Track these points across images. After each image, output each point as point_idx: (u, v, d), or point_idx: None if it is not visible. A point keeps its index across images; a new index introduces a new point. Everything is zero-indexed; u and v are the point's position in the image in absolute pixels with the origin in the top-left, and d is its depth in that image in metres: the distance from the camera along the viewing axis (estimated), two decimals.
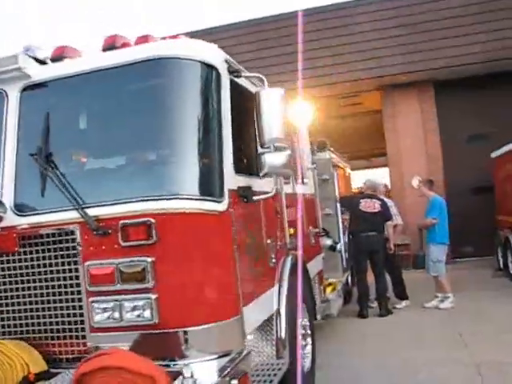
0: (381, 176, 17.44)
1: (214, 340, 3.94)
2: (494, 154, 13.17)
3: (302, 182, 7.27)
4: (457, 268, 14.12)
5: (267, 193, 4.75)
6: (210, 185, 4.04)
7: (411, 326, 8.57)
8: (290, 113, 5.23)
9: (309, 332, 6.17)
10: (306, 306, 6.13)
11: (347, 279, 10.12)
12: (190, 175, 4.03)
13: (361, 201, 9.62)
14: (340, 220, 10.07)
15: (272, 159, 4.39)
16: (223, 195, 4.05)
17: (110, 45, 4.34)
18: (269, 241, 5.06)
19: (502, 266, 12.30)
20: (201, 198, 3.94)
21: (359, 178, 38.43)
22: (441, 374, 6.26)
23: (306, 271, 6.34)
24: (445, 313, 9.20)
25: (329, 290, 8.37)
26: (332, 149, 10.24)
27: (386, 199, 10.19)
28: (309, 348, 6.17)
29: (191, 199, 3.90)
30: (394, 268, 10.10)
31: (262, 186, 4.67)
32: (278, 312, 5.14)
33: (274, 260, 5.15)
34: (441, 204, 9.72)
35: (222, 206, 4.02)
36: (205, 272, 3.91)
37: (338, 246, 9.06)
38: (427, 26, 13.82)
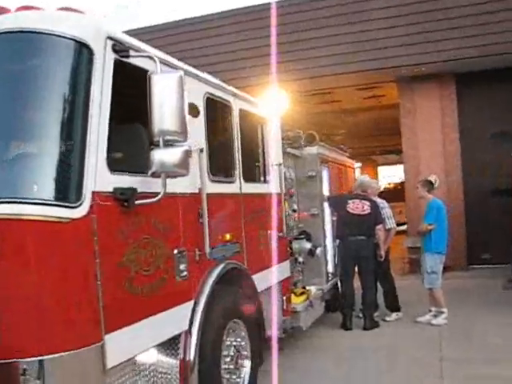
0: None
1: (58, 375, 3.23)
2: None
3: (264, 180, 6.52)
4: (470, 276, 13.16)
5: (175, 194, 4.04)
6: (61, 186, 3.32)
7: (391, 345, 7.68)
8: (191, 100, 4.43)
9: (245, 353, 5.41)
10: (243, 322, 5.38)
11: (337, 286, 9.30)
12: (39, 174, 3.32)
13: (349, 201, 8.74)
14: (327, 221, 9.26)
15: (161, 156, 3.65)
16: (81, 199, 3.32)
17: None
18: (176, 251, 4.32)
19: None
20: (46, 201, 3.22)
21: (390, 173, 37.49)
22: None
23: (248, 282, 5.59)
24: (435, 330, 8.26)
25: (300, 299, 7.57)
26: (323, 143, 9.40)
27: (379, 200, 9.27)
28: (245, 372, 5.43)
29: (33, 203, 3.19)
30: (385, 276, 9.20)
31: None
32: (189, 332, 4.43)
33: (184, 273, 4.42)
34: (439, 208, 8.75)
35: (77, 212, 3.29)
36: (43, 289, 3.20)
37: (318, 251, 8.25)
38: (445, 13, 12.70)
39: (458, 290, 11.22)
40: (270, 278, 6.31)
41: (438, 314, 8.72)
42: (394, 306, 9.19)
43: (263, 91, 7.83)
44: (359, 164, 37.52)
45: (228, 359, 5.09)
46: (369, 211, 8.60)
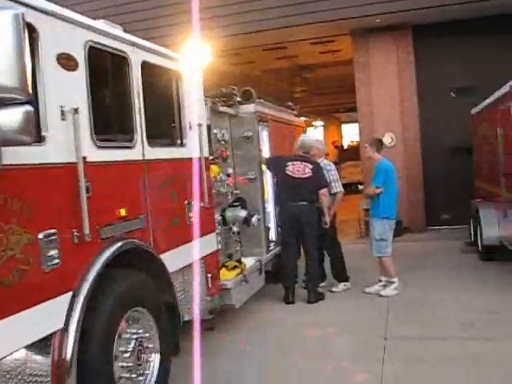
0: None
1: None
2: (473, 111, 11.40)
3: (181, 144, 5.71)
4: (428, 238, 12.64)
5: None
6: None
7: (334, 321, 7.03)
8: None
9: (152, 346, 4.67)
10: (148, 310, 4.63)
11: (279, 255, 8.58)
12: None
13: (288, 163, 7.96)
14: (268, 186, 8.53)
15: None
16: None
17: None
18: (41, 235, 3.51)
19: (472, 240, 10.64)
20: None
21: (353, 132, 36.76)
22: None
23: (154, 263, 4.84)
24: (384, 303, 7.63)
25: (232, 274, 6.85)
26: (262, 100, 8.57)
27: (325, 162, 8.52)
28: (153, 367, 4.70)
29: None
30: (332, 244, 8.51)
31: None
32: (66, 329, 3.67)
33: (56, 260, 3.62)
34: (387, 170, 8.04)
35: None
36: None
37: (254, 219, 7.51)
38: None
39: (414, 255, 10.70)
40: (188, 254, 5.56)
41: (387, 284, 8.11)
42: (341, 275, 8.56)
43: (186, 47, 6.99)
44: (321, 123, 37.31)
45: (127, 355, 4.34)
46: (310, 174, 7.85)
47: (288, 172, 7.86)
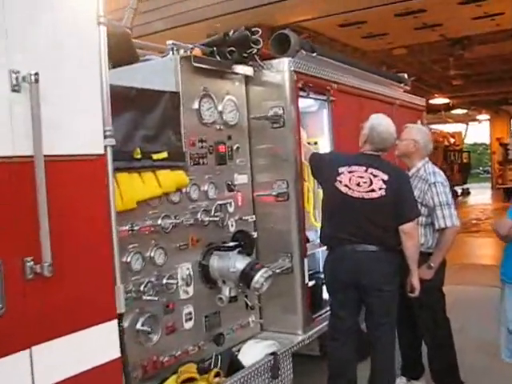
0: None
1: None
2: None
3: None
4: None
5: None
6: None
7: None
8: None
9: None
10: None
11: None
12: None
13: (341, 169, 4.11)
14: (313, 207, 4.85)
15: None
16: None
17: None
18: None
19: None
20: None
21: None
22: None
23: None
24: None
25: None
26: (317, 52, 4.86)
27: (427, 168, 4.55)
28: None
29: None
30: (434, 322, 4.53)
31: None
32: None
33: None
34: None
35: None
36: None
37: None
38: None
39: None
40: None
41: None
42: (449, 379, 4.60)
43: None
44: (487, 116, 31.68)
45: None
46: (383, 192, 3.98)
47: (338, 185, 4.07)
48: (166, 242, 3.57)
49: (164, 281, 3.52)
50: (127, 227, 3.29)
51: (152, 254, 3.46)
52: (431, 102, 21.22)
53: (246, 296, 4.17)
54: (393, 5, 11.22)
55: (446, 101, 23.96)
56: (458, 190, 26.95)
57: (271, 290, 4.04)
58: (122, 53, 4.02)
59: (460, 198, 26.65)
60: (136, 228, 3.34)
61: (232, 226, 4.15)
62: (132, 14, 4.98)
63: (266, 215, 4.40)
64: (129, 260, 3.29)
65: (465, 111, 29.33)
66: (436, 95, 22.56)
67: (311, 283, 4.57)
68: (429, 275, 4.30)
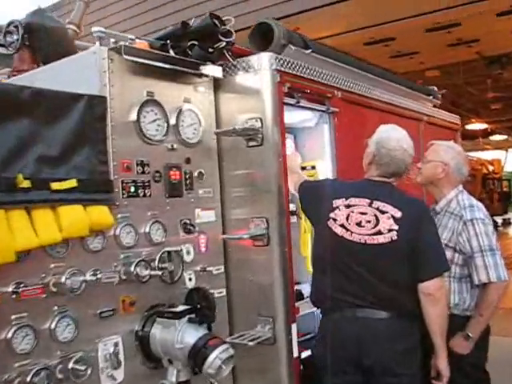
0: None
1: None
2: None
3: None
4: None
5: None
6: None
7: None
8: None
9: None
10: None
11: None
12: None
13: (335, 201, 2.97)
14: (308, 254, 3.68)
15: None
16: None
17: None
18: None
19: None
20: None
21: None
22: None
23: None
24: None
25: None
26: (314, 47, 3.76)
27: (463, 199, 3.38)
28: None
29: None
30: None
31: None
32: None
33: None
34: None
35: None
36: None
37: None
38: None
39: None
40: None
41: None
42: None
43: None
44: None
45: None
46: (394, 236, 2.83)
47: (332, 225, 2.92)
48: (76, 307, 2.49)
49: (70, 365, 2.42)
50: (10, 289, 2.24)
51: (52, 326, 2.39)
52: (468, 127, 19.97)
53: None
54: (422, 17, 10.11)
55: (484, 126, 22.58)
56: (498, 220, 25.44)
57: (249, 365, 2.92)
58: (53, 47, 3.07)
59: (501, 228, 25.19)
60: (19, 290, 2.26)
61: (190, 280, 3.05)
62: (82, 8, 3.99)
63: (242, 264, 3.29)
64: (9, 336, 2.22)
65: (504, 137, 27.80)
66: (473, 120, 21.24)
67: (305, 354, 3.40)
68: (466, 349, 3.12)
